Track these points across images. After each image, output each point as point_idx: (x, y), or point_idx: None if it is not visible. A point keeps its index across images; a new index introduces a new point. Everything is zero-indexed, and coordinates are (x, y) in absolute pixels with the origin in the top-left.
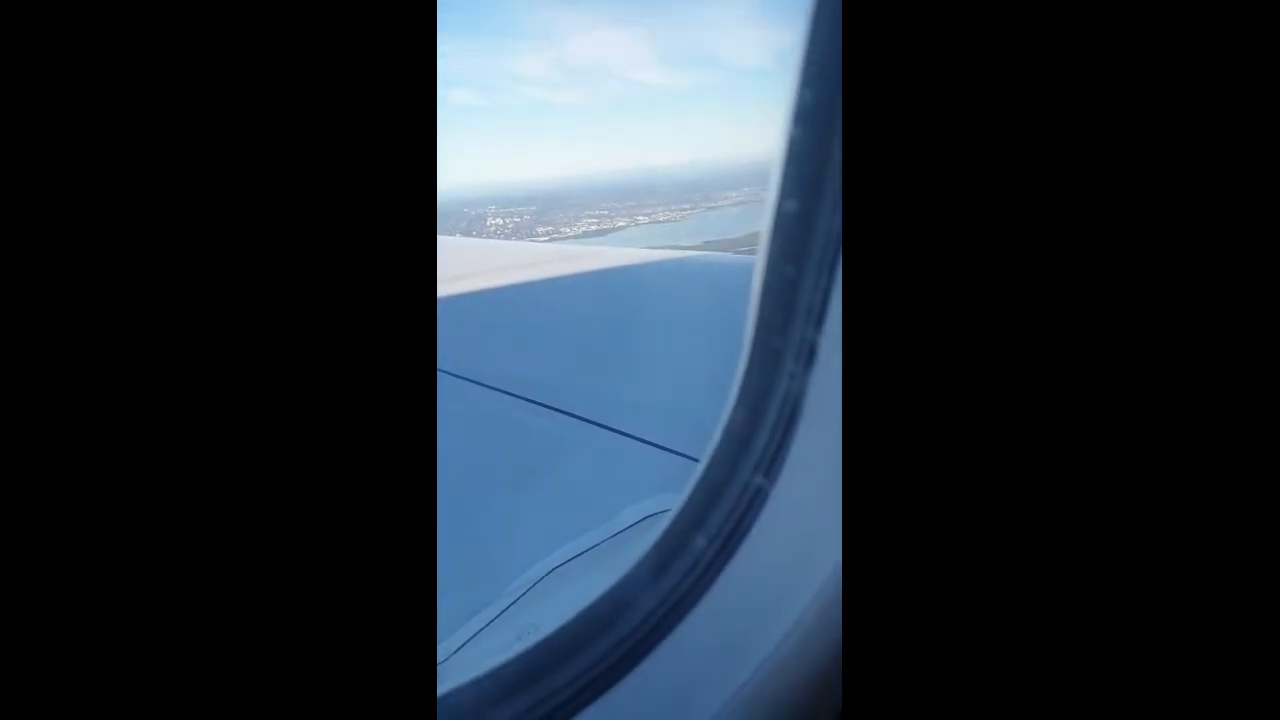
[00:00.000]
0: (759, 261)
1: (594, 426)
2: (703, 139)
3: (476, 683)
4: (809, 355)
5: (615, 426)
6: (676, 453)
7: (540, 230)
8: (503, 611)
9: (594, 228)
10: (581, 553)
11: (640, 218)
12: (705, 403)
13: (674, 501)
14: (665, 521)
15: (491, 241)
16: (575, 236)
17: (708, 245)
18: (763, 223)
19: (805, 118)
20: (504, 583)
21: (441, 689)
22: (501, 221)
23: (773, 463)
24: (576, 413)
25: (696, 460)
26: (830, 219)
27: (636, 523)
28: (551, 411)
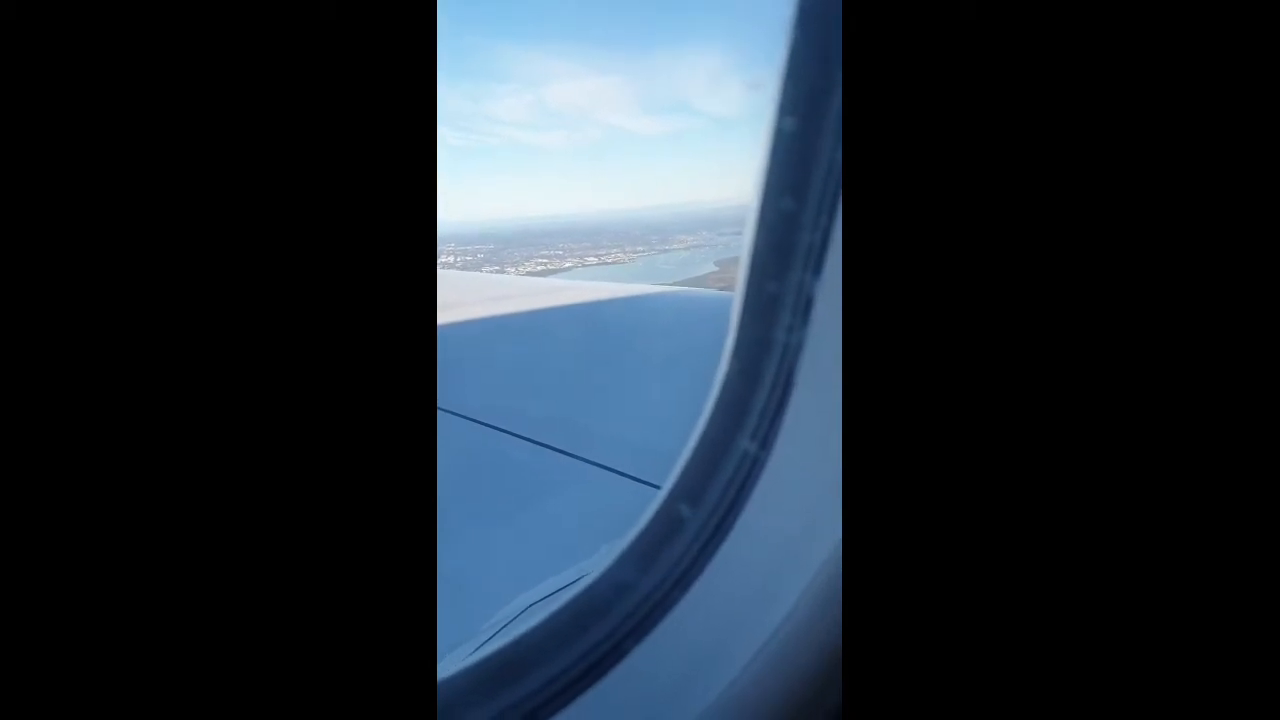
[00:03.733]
0: (754, 193)
1: (575, 460)
2: (672, 183)
3: (464, 673)
4: (806, 305)
5: (597, 460)
6: (660, 488)
7: (486, 269)
8: (478, 649)
9: (540, 268)
10: (560, 589)
11: (590, 259)
12: (687, 437)
13: (636, 527)
14: (656, 499)
15: (473, 273)
16: (518, 276)
17: None
18: (708, 262)
19: (808, 21)
20: (480, 620)
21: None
22: (452, 259)
23: (769, 428)
24: (557, 446)
25: None
26: (833, 148)
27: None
28: (532, 445)
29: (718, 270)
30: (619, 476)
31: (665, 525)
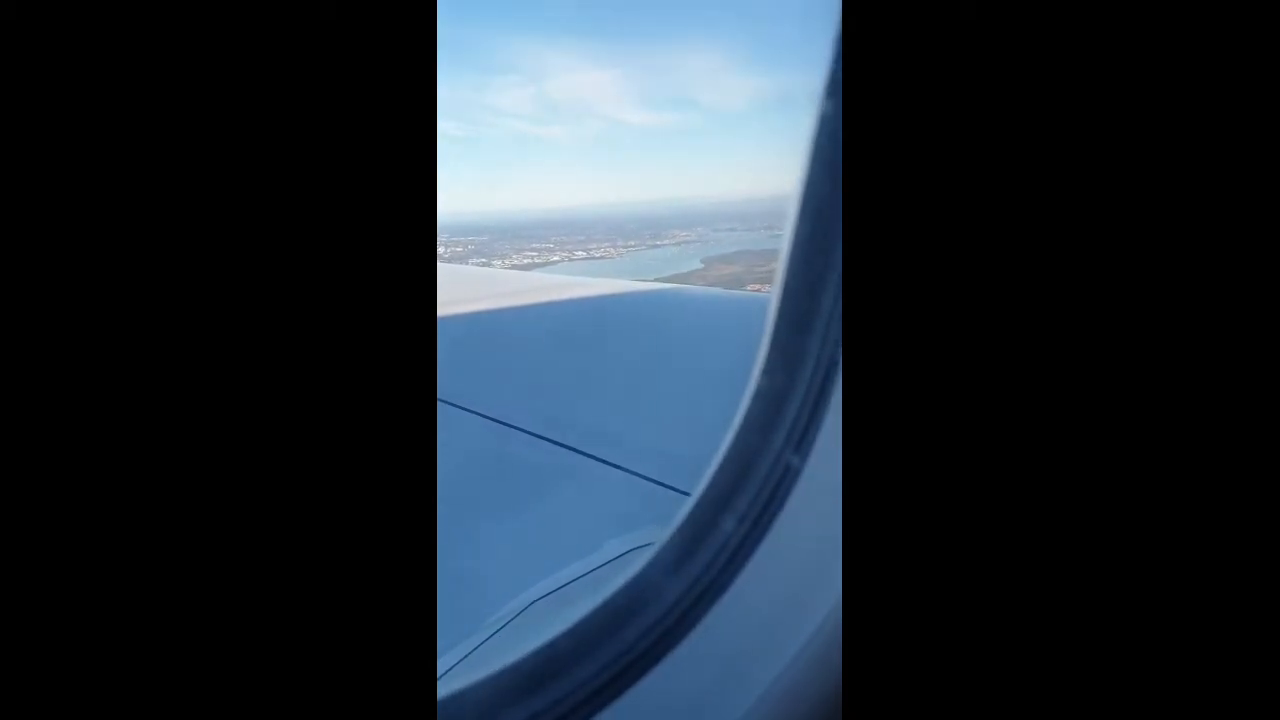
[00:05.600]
0: (794, 197)
1: (579, 456)
2: (672, 178)
3: (489, 681)
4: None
5: (600, 456)
6: (663, 484)
7: (473, 262)
8: (479, 646)
9: (527, 261)
10: (563, 585)
11: (578, 253)
12: (693, 435)
13: (659, 534)
14: (690, 502)
15: (455, 265)
16: (502, 269)
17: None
18: (692, 262)
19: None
20: (483, 615)
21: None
22: (442, 250)
23: (804, 437)
24: (561, 441)
25: (684, 493)
26: None
27: (620, 556)
28: (536, 439)
29: (703, 268)
30: (611, 469)
31: (697, 531)
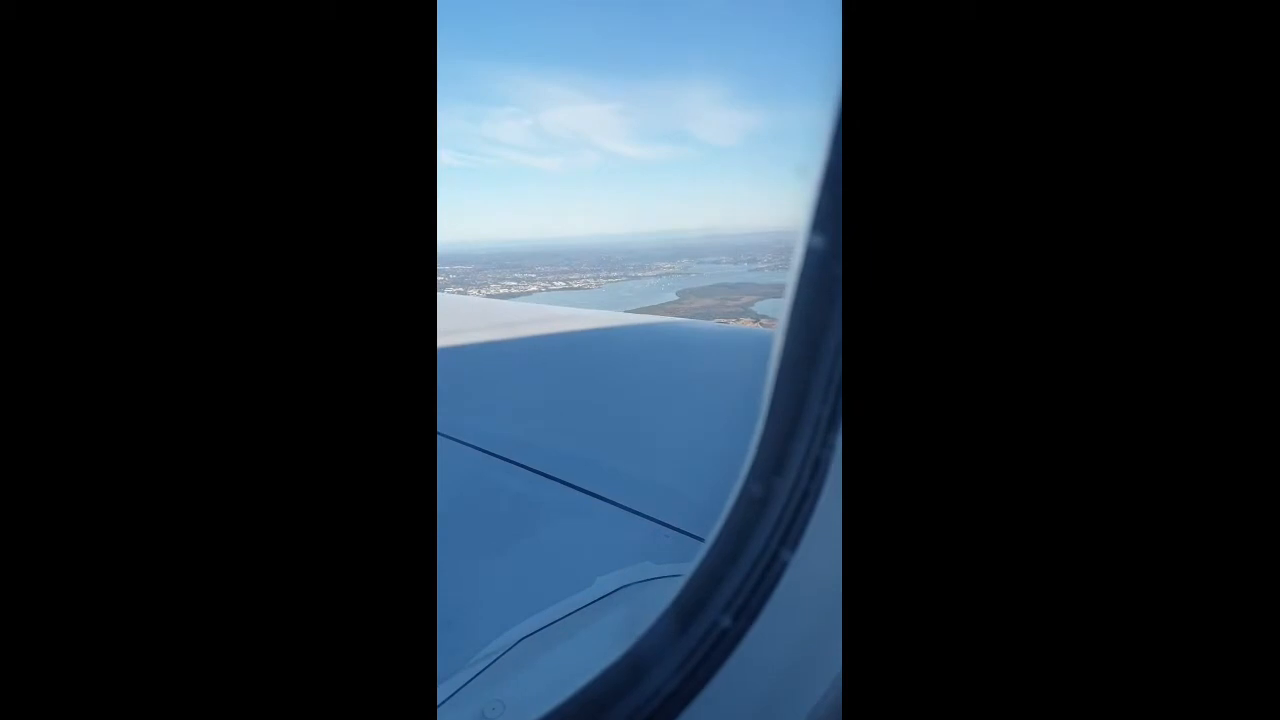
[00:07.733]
0: (781, 319)
1: (570, 489)
2: (663, 211)
3: None
4: (831, 420)
5: (592, 490)
6: (655, 520)
7: (450, 290)
8: (470, 680)
9: (505, 291)
10: (554, 621)
11: (558, 284)
12: (685, 470)
13: (651, 571)
14: (678, 586)
15: (450, 296)
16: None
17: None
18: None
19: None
20: (473, 650)
21: None
22: None
23: (790, 530)
24: (554, 475)
25: (675, 528)
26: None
27: (611, 592)
28: (528, 473)
29: (677, 300)
30: (600, 502)
31: (687, 618)
